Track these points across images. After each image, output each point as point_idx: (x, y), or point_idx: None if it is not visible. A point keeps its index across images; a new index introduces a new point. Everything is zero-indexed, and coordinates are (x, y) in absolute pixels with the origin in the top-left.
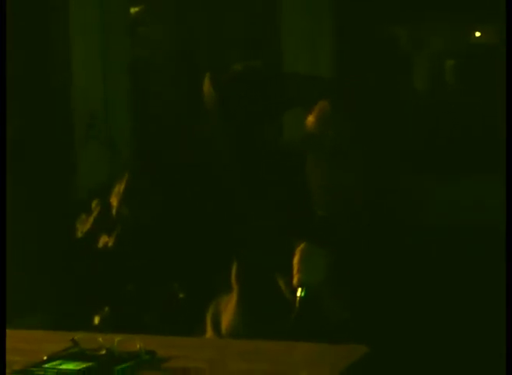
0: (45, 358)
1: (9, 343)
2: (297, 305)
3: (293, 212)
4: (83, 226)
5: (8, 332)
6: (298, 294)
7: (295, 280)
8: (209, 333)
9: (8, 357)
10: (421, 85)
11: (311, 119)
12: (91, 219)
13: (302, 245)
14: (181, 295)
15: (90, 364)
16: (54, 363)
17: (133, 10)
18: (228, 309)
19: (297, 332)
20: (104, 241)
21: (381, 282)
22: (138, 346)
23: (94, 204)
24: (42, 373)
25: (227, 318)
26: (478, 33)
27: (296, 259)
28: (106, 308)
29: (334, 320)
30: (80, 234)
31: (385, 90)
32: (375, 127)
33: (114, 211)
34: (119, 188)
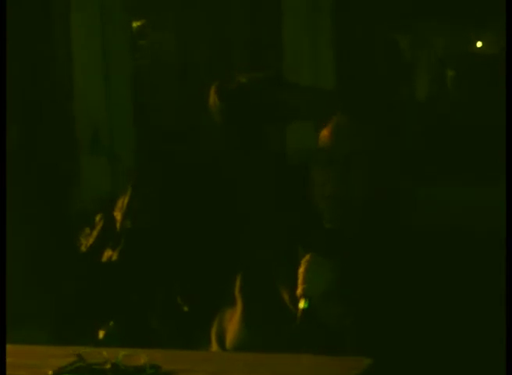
0: (51, 373)
1: (14, 358)
2: (300, 316)
3: (299, 224)
4: (86, 241)
5: (13, 347)
6: (301, 305)
7: (299, 291)
8: (214, 346)
9: (14, 372)
10: (423, 92)
11: (321, 132)
12: (95, 233)
13: (307, 256)
14: (185, 309)
15: None
16: None
17: (134, 21)
18: (232, 322)
19: (301, 343)
20: (108, 255)
21: (387, 293)
22: (143, 360)
23: (97, 218)
24: None
25: (231, 331)
26: (479, 41)
27: (301, 270)
28: (110, 323)
29: (337, 331)
30: (83, 248)
31: (391, 100)
32: (381, 138)
33: (118, 225)
34: (123, 202)
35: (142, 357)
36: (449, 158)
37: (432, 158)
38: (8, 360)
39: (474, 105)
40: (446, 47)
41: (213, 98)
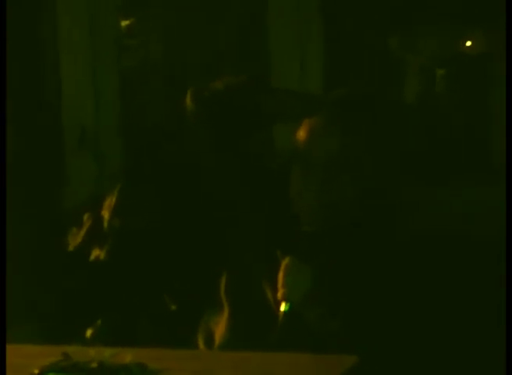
0: (36, 371)
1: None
2: (281, 319)
3: (278, 227)
4: (74, 240)
5: None
6: (282, 308)
7: (279, 295)
8: (201, 346)
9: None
10: (412, 94)
11: (298, 134)
12: (82, 233)
13: (286, 260)
14: (173, 307)
15: None
16: None
17: (122, 21)
18: (219, 324)
19: (284, 345)
20: (95, 254)
21: (370, 295)
22: (129, 359)
23: (85, 217)
24: None
25: (218, 333)
26: (469, 41)
27: (280, 274)
28: (98, 322)
29: (320, 334)
30: (71, 248)
31: (376, 102)
32: (365, 142)
33: (106, 224)
34: (111, 201)
35: (128, 356)
36: (440, 160)
37: (421, 159)
38: None
39: (464, 105)
40: (436, 48)
41: (189, 104)
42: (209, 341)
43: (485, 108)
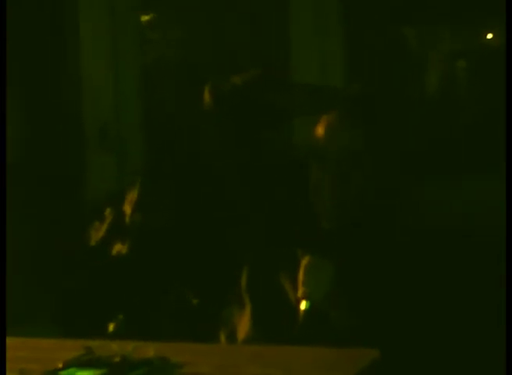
0: (60, 365)
1: (25, 351)
2: (301, 318)
3: (298, 225)
4: (96, 234)
5: (24, 341)
6: (302, 307)
7: (299, 294)
8: (223, 341)
9: (26, 365)
10: (429, 90)
11: (317, 129)
12: (105, 227)
13: (306, 258)
14: (194, 301)
15: (104, 371)
16: (69, 370)
17: (144, 15)
18: (241, 319)
19: (305, 340)
20: (118, 248)
21: (388, 291)
22: (151, 353)
23: (107, 212)
24: None
25: (241, 327)
26: (488, 35)
27: (300, 273)
28: (120, 316)
29: (341, 331)
30: (93, 242)
31: (394, 98)
32: (383, 138)
33: (127, 218)
34: (132, 196)
35: (150, 350)
36: (453, 157)
37: (435, 156)
38: (20, 354)
39: (485, 100)
40: (456, 41)
41: (207, 99)
42: (232, 336)
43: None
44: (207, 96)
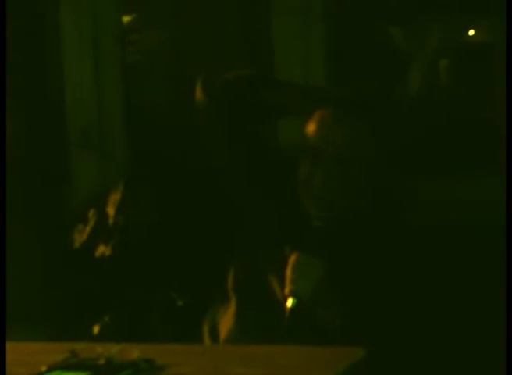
0: (44, 369)
1: (12, 355)
2: (287, 315)
3: (287, 222)
4: (80, 237)
5: (10, 344)
6: (289, 304)
7: (286, 291)
8: (206, 341)
9: (13, 369)
10: (417, 87)
11: (307, 128)
12: (88, 229)
13: (294, 256)
14: (179, 303)
15: (89, 373)
16: (53, 374)
17: (125, 16)
18: (225, 318)
19: (290, 339)
20: (101, 250)
21: (376, 289)
22: (136, 355)
23: (90, 214)
24: None
25: (224, 327)
26: (473, 32)
27: (288, 270)
28: (104, 318)
29: (328, 330)
30: (77, 244)
31: (382, 95)
32: (373, 136)
33: (111, 220)
34: (115, 197)
35: (135, 351)
36: (446, 153)
37: (429, 152)
38: (7, 358)
39: (471, 96)
40: (441, 37)
41: (199, 95)
42: (214, 334)
43: (490, 100)
44: (199, 92)
